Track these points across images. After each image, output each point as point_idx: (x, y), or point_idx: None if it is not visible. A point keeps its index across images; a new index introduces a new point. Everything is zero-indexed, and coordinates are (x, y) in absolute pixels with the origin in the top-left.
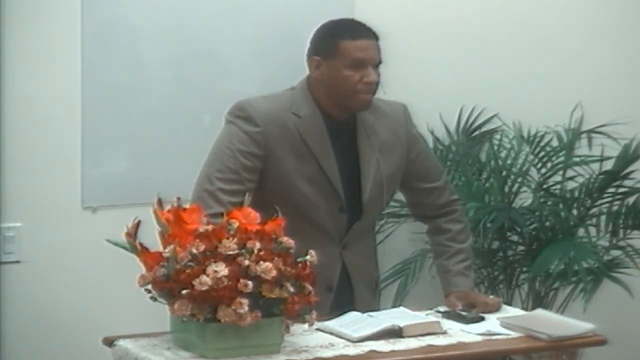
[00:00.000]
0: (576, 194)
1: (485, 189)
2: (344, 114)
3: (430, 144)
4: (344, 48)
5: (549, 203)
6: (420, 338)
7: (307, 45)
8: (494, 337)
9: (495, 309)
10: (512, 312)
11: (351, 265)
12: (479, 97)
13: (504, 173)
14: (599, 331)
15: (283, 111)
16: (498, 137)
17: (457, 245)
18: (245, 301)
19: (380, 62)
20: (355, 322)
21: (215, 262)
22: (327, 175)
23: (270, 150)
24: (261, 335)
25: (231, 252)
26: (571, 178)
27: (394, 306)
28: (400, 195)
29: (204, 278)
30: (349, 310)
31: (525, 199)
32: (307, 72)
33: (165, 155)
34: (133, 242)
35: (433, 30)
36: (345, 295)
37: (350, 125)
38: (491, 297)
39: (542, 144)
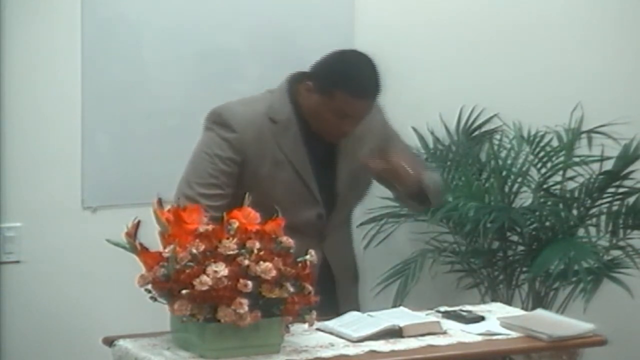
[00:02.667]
0: (576, 194)
1: (485, 189)
2: None
3: (430, 144)
4: (339, 98)
5: (549, 203)
6: (420, 338)
7: (313, 62)
8: (494, 337)
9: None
10: (512, 312)
11: (331, 256)
12: (479, 97)
13: (504, 173)
14: (599, 331)
15: (259, 117)
16: (498, 137)
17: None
18: (245, 301)
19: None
20: (355, 322)
21: (215, 262)
22: (303, 180)
23: (247, 156)
24: (261, 335)
25: (231, 252)
26: (571, 178)
27: (394, 306)
28: None
29: (204, 278)
30: (332, 303)
31: (525, 199)
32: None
33: (165, 155)
34: (133, 242)
35: (433, 30)
36: (326, 286)
37: None
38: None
39: (542, 144)
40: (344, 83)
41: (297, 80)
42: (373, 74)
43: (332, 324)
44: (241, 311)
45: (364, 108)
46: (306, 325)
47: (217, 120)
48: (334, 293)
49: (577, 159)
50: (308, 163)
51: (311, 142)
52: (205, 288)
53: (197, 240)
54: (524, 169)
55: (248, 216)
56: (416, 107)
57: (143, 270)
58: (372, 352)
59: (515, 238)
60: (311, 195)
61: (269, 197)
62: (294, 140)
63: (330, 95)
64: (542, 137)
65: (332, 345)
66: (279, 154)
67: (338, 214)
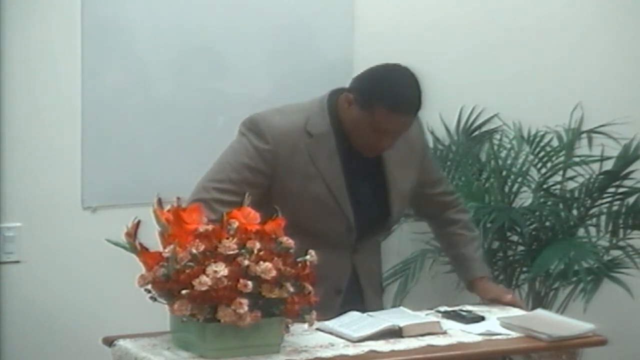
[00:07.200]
0: (576, 194)
1: (485, 189)
2: None
3: (430, 144)
4: (378, 112)
5: (549, 203)
6: (420, 338)
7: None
8: (494, 337)
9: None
10: (512, 312)
11: (361, 268)
12: (479, 97)
13: (504, 173)
14: (599, 331)
15: (296, 130)
16: (498, 137)
17: (472, 233)
18: (245, 301)
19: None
20: (355, 322)
21: (215, 262)
22: (334, 195)
23: (277, 170)
24: (261, 335)
25: (231, 252)
26: (571, 178)
27: (394, 306)
28: None
29: (203, 278)
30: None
31: (525, 199)
32: (305, 74)
33: (165, 155)
34: (133, 242)
35: (433, 30)
36: (354, 297)
37: None
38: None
39: (542, 144)
40: (384, 98)
41: (338, 93)
42: (414, 90)
43: (332, 324)
44: (241, 311)
45: (404, 123)
46: (306, 325)
47: (253, 129)
48: (362, 304)
49: (577, 159)
50: (341, 178)
51: (346, 157)
52: (205, 288)
53: (197, 240)
54: (524, 169)
55: (248, 216)
56: None
57: (143, 270)
58: (372, 352)
59: (515, 238)
60: (341, 211)
61: (298, 211)
62: (328, 154)
63: (370, 109)
64: (542, 137)
65: (332, 345)
66: (311, 167)
67: (378, 230)
